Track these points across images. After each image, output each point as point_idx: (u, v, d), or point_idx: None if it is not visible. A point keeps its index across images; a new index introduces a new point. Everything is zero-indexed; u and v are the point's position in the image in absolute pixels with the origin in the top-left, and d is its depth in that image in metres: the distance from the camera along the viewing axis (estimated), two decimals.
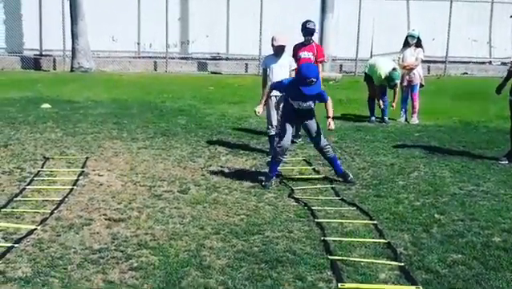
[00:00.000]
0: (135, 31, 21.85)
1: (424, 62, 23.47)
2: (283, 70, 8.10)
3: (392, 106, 10.83)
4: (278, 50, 8.07)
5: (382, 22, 22.43)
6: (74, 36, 19.46)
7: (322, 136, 6.94)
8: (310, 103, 6.83)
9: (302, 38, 9.35)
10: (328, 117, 6.84)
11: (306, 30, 9.12)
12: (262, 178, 6.83)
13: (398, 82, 10.61)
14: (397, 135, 9.89)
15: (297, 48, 9.18)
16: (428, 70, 22.82)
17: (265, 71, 8.30)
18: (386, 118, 11.00)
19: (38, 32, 20.87)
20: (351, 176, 6.95)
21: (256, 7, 21.34)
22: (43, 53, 21.17)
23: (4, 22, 20.81)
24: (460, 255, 4.77)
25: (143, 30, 21.88)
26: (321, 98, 6.78)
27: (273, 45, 8.09)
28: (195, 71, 21.65)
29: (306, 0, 20.88)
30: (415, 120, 11.10)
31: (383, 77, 10.56)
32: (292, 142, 8.09)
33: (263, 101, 7.48)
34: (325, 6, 19.24)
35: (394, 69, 10.49)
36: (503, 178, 7.18)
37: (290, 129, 6.86)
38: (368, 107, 11.23)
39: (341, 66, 22.24)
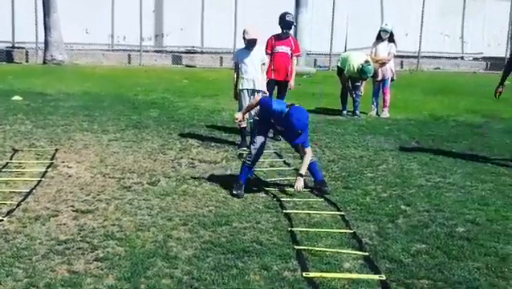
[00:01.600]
0: (108, 24, 21.72)
1: (397, 57, 23.68)
2: (255, 64, 8.12)
3: (361, 92, 10.96)
4: (250, 44, 8.08)
5: (356, 17, 22.60)
6: (46, 28, 19.29)
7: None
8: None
9: (275, 31, 9.26)
10: (299, 174, 6.08)
11: (285, 23, 9.04)
12: (233, 186, 6.22)
13: (370, 75, 10.68)
14: (368, 128, 9.98)
15: (272, 40, 9.11)
16: (402, 65, 23.06)
17: (236, 64, 8.31)
18: (358, 112, 11.08)
19: (10, 24, 20.63)
20: (329, 187, 6.30)
21: (231, 1, 21.35)
22: (16, 45, 20.94)
23: None
24: (424, 245, 4.84)
25: (117, 22, 21.75)
26: (303, 144, 6.11)
27: (244, 38, 8.09)
28: (169, 65, 21.59)
29: None
30: (386, 113, 11.21)
31: (355, 69, 10.63)
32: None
33: (244, 111, 6.86)
34: (299, 1, 19.25)
35: (367, 62, 10.56)
36: (470, 171, 7.29)
37: (265, 133, 6.37)
38: (341, 100, 11.30)
39: (315, 60, 22.36)
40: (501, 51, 23.11)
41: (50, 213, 5.40)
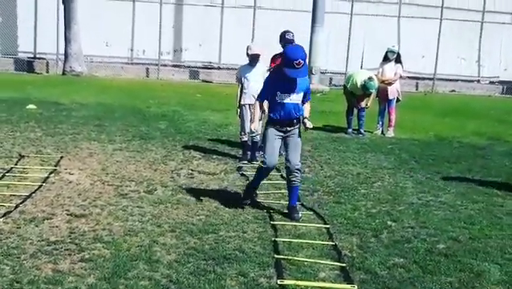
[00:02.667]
0: (128, 37, 22.12)
1: (412, 78, 23.85)
2: (258, 79, 8.27)
3: (367, 106, 11.11)
4: (253, 59, 8.29)
5: (372, 37, 22.71)
6: (67, 40, 19.73)
7: (299, 156, 6.18)
8: (300, 96, 6.03)
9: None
10: (305, 117, 6.12)
11: (286, 40, 9.23)
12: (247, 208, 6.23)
13: (372, 91, 10.79)
14: (370, 146, 10.10)
15: (276, 58, 9.30)
16: (417, 86, 23.15)
17: (240, 80, 8.52)
18: (362, 130, 11.21)
19: (32, 35, 21.12)
20: (300, 215, 6.04)
21: (249, 18, 21.65)
22: (37, 56, 21.41)
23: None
24: (402, 259, 4.96)
25: (136, 36, 22.15)
26: (307, 90, 6.10)
27: (247, 54, 8.31)
28: (186, 79, 21.89)
29: (298, 12, 21.23)
30: (390, 133, 11.32)
31: (358, 85, 10.77)
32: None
33: (256, 118, 6.58)
34: (315, 19, 19.48)
35: (370, 78, 10.70)
36: (463, 191, 7.38)
37: (275, 147, 6.16)
38: (346, 119, 11.44)
39: (331, 79, 22.50)
40: None
41: (46, 216, 5.61)
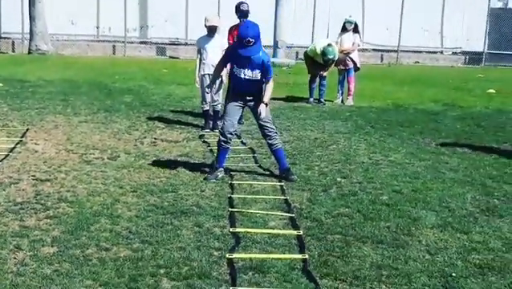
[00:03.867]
0: (94, 15, 22.14)
1: (377, 50, 24.24)
2: (216, 50, 8.59)
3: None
4: (211, 30, 8.58)
5: (337, 10, 23.03)
6: (31, 19, 19.73)
7: (269, 119, 6.36)
8: (257, 73, 6.11)
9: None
10: (262, 102, 6.18)
11: (241, 12, 9.51)
12: (207, 170, 6.43)
13: (331, 57, 10.99)
14: (329, 114, 10.49)
15: (232, 30, 9.58)
16: (382, 58, 23.63)
17: (199, 51, 8.81)
18: (322, 99, 11.58)
19: None
20: (295, 175, 6.31)
21: None
22: (2, 35, 21.34)
23: None
24: (347, 209, 5.35)
25: (102, 13, 22.17)
26: (265, 68, 6.10)
27: (205, 25, 8.59)
28: (154, 56, 22.04)
29: None
30: (350, 101, 11.71)
31: (318, 51, 11.08)
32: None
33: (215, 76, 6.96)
34: None
35: (329, 45, 11.02)
36: (413, 151, 7.80)
37: (234, 112, 6.34)
38: (308, 88, 11.78)
39: (297, 53, 22.76)
40: (479, 46, 23.67)
41: (12, 181, 5.89)
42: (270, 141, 6.36)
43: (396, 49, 23.36)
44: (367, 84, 14.24)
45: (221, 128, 6.42)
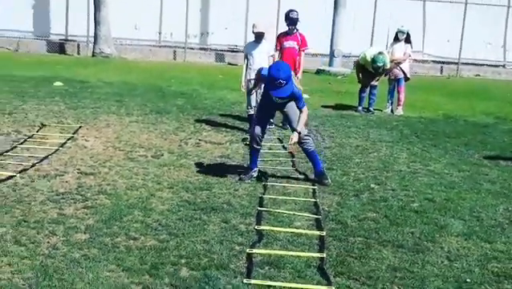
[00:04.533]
0: (157, 21, 22.73)
1: (437, 62, 23.95)
2: (262, 56, 8.81)
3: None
4: (258, 37, 8.79)
5: (398, 21, 22.88)
6: (96, 23, 20.42)
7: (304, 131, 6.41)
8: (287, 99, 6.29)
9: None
10: (294, 130, 6.29)
11: (290, 20, 9.68)
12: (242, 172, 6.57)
13: (381, 65, 10.98)
14: (376, 123, 10.51)
15: (281, 37, 9.79)
16: (441, 70, 23.29)
17: (246, 56, 9.03)
18: (372, 108, 11.60)
19: (64, 18, 21.90)
20: (329, 179, 6.37)
21: (274, 1, 22.05)
22: (68, 38, 22.18)
23: (32, 7, 21.87)
24: (374, 214, 5.43)
25: (164, 19, 22.74)
26: (296, 101, 6.26)
27: (253, 31, 8.82)
28: (212, 62, 22.45)
29: None
30: (399, 111, 11.69)
31: (368, 59, 11.12)
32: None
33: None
34: (337, 2, 19.80)
35: (380, 52, 11.05)
36: (454, 161, 7.77)
37: (265, 115, 6.56)
38: (358, 96, 11.82)
39: (354, 62, 22.76)
40: None
41: (58, 173, 6.23)
42: (302, 144, 6.41)
43: (456, 61, 23.02)
44: (421, 95, 14.17)
45: (251, 132, 6.56)
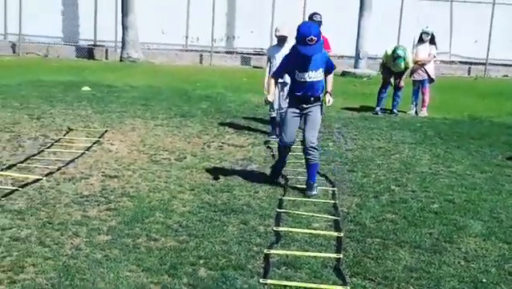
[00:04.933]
0: (183, 25, 22.94)
1: (464, 63, 23.72)
2: None
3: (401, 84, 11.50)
4: (281, 40, 8.86)
5: (424, 22, 22.75)
6: (124, 28, 20.70)
7: (315, 133, 6.24)
8: (320, 72, 6.13)
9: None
10: (327, 92, 6.32)
11: (313, 22, 9.73)
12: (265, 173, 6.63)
13: (401, 54, 11.00)
14: (400, 124, 10.51)
15: None
16: (469, 71, 23.08)
17: (269, 59, 9.11)
18: (395, 110, 11.58)
19: (92, 23, 22.24)
20: (316, 192, 6.12)
21: (300, 3, 22.13)
22: (97, 43, 22.52)
23: (62, 13, 22.26)
24: (393, 215, 5.46)
25: (191, 24, 22.95)
26: (328, 65, 6.23)
27: (276, 35, 8.89)
28: (238, 65, 22.58)
29: None
30: (424, 112, 11.66)
31: (389, 53, 11.17)
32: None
33: (271, 90, 6.72)
34: (363, 4, 19.78)
35: (400, 45, 11.11)
36: (477, 162, 7.75)
37: (292, 123, 6.31)
38: (377, 97, 11.79)
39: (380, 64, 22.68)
40: None
41: (83, 176, 6.38)
42: (306, 155, 6.22)
43: (484, 62, 22.79)
44: (447, 96, 14.09)
45: (280, 141, 6.46)
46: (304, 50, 5.96)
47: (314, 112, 6.23)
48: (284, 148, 6.44)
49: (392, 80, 11.60)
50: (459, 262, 4.41)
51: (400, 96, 11.66)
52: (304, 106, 6.23)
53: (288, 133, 6.30)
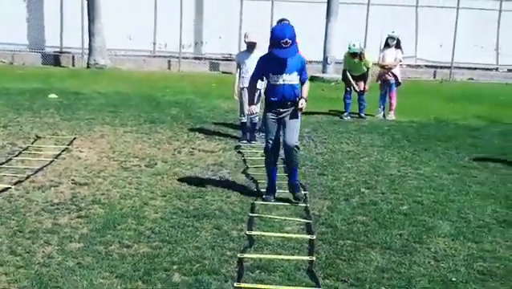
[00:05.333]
0: (151, 31, 22.87)
1: (430, 67, 24.06)
2: (254, 65, 8.90)
3: (365, 88, 11.56)
4: (250, 46, 8.92)
5: (390, 28, 23.05)
6: (91, 34, 20.54)
7: (295, 135, 6.17)
8: (295, 76, 6.01)
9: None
10: (301, 97, 6.08)
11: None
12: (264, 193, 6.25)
13: (357, 51, 11.24)
14: (368, 128, 10.63)
15: None
16: (434, 75, 23.43)
17: (238, 65, 9.15)
18: (362, 114, 11.70)
19: (59, 30, 22.02)
20: (302, 193, 6.16)
21: (267, 10, 22.24)
22: (63, 50, 22.29)
23: (27, 20, 22.00)
24: (364, 217, 5.54)
25: (158, 30, 22.90)
26: (301, 69, 6.05)
27: (245, 41, 8.95)
28: (207, 71, 22.57)
29: (315, 5, 21.69)
30: (391, 116, 11.81)
31: (347, 53, 11.47)
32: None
33: (250, 99, 6.75)
34: (330, 10, 19.99)
35: (351, 42, 11.39)
36: (444, 164, 7.89)
37: (273, 129, 6.17)
38: (344, 102, 11.87)
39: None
40: None
41: (53, 184, 6.32)
42: (288, 156, 6.18)
43: (449, 65, 23.18)
44: (413, 100, 14.30)
45: (265, 149, 6.28)
46: (279, 53, 5.86)
47: (292, 115, 6.10)
48: (271, 151, 6.20)
49: (354, 85, 11.64)
50: (429, 262, 4.50)
51: (365, 99, 11.73)
52: (281, 110, 6.10)
53: (271, 138, 6.16)
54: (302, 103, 6.06)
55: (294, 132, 6.11)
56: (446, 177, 7.21)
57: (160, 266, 4.24)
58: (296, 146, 6.11)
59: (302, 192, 6.21)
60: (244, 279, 4.07)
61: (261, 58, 6.48)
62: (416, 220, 5.48)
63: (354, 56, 11.37)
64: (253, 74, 6.64)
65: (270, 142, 6.16)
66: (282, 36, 5.80)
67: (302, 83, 6.19)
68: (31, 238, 4.72)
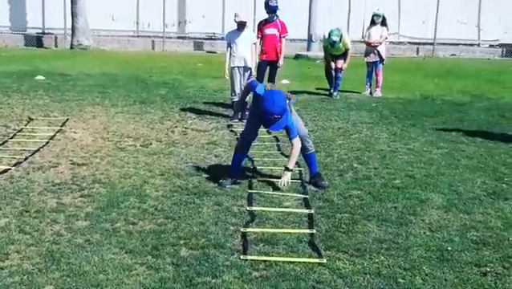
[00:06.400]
0: (134, 11, 22.82)
1: (413, 43, 24.25)
2: (245, 43, 9.06)
3: (342, 67, 11.56)
4: (240, 26, 9.02)
5: (374, 5, 23.16)
6: (73, 15, 20.46)
7: (301, 126, 6.05)
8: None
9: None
10: (286, 168, 5.83)
11: (269, 8, 9.87)
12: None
13: (335, 39, 11.02)
14: (356, 105, 10.80)
15: (262, 25, 9.98)
16: (417, 51, 23.67)
17: (229, 44, 9.24)
18: (336, 92, 11.62)
19: (41, 11, 21.88)
20: (325, 181, 5.93)
21: None
22: (46, 31, 22.16)
23: (8, 2, 21.80)
24: (358, 192, 5.71)
25: (142, 9, 22.84)
26: (288, 132, 5.78)
27: (235, 20, 9.03)
28: (191, 51, 22.58)
29: None
30: (378, 93, 11.98)
31: (326, 37, 11.35)
32: None
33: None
34: None
35: (334, 29, 11.17)
36: (432, 139, 8.08)
37: (254, 127, 6.01)
38: (327, 80, 11.97)
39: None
40: None
41: (51, 165, 6.41)
42: (303, 146, 5.94)
43: (432, 42, 23.40)
44: (398, 77, 14.52)
45: (242, 135, 6.25)
46: (268, 125, 5.72)
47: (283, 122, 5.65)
48: (241, 143, 6.12)
49: (331, 62, 11.64)
50: (424, 233, 4.68)
51: (341, 78, 11.69)
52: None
53: (249, 131, 6.03)
54: (282, 180, 5.73)
55: (298, 122, 5.99)
56: (436, 151, 7.40)
57: (167, 242, 4.38)
58: (305, 135, 5.99)
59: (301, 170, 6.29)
60: (249, 252, 4.22)
61: (250, 114, 6.18)
62: (409, 193, 5.65)
63: (332, 44, 11.24)
64: (250, 89, 6.13)
65: (246, 134, 6.05)
66: (270, 112, 5.48)
67: (290, 141, 5.86)
68: (38, 217, 4.82)
